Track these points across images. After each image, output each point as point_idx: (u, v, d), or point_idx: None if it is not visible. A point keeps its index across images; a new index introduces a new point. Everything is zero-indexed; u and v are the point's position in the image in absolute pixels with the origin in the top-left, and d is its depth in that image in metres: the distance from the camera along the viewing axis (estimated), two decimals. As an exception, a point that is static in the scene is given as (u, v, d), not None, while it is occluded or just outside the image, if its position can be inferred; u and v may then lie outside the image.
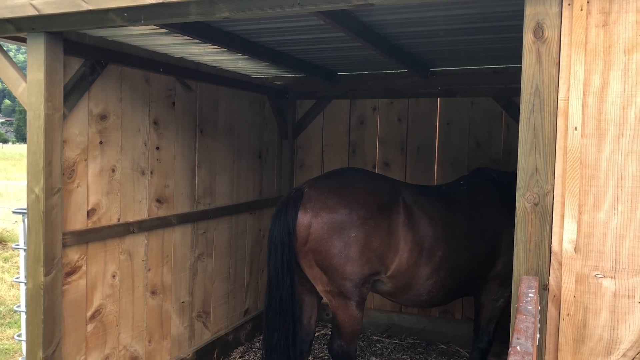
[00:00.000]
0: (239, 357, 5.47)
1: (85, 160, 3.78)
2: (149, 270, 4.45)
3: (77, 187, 3.72)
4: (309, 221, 3.87)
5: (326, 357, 5.54)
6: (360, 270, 3.85)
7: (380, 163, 6.29)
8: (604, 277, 2.29)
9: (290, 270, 3.94)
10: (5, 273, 8.41)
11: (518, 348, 1.50)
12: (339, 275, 3.85)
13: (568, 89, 2.32)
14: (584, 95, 2.29)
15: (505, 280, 4.36)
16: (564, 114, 2.33)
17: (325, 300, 4.16)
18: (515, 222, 2.43)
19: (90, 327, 3.89)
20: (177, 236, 4.78)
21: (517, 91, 2.58)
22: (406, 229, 3.97)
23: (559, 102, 2.34)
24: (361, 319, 4.02)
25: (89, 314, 3.87)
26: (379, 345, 5.86)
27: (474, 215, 4.33)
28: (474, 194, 4.48)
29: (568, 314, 2.34)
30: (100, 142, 3.91)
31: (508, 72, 5.24)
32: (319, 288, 4.03)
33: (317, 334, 6.13)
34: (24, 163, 26.71)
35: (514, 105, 5.44)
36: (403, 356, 5.59)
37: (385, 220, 3.92)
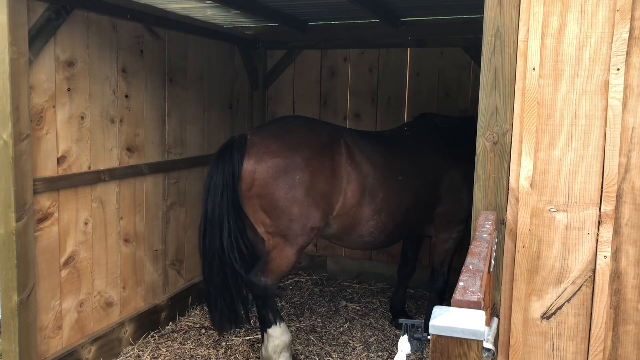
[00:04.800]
0: (213, 304, 5.60)
1: (54, 107, 3.76)
2: (122, 218, 4.49)
3: (46, 133, 3.71)
4: (253, 167, 3.92)
5: (298, 302, 5.71)
6: (309, 211, 3.93)
7: (352, 114, 6.34)
8: (557, 211, 2.43)
9: (235, 211, 3.98)
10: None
11: (470, 267, 1.61)
12: (286, 217, 3.92)
13: (527, 31, 2.39)
14: (543, 36, 2.37)
15: (450, 222, 4.60)
16: (523, 55, 2.42)
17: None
18: (475, 160, 2.54)
19: (64, 273, 3.95)
20: (149, 185, 4.82)
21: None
22: (349, 169, 4.09)
23: (518, 43, 2.42)
24: (293, 264, 4.10)
25: (62, 260, 3.92)
26: (350, 291, 6.06)
27: (415, 160, 4.48)
28: (416, 139, 4.63)
29: (523, 246, 2.48)
30: (69, 89, 3.88)
31: (477, 22, 5.29)
32: (260, 230, 4.07)
33: (289, 281, 6.30)
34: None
35: (482, 55, 5.51)
36: (372, 300, 5.79)
37: (329, 160, 4.02)
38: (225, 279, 4.06)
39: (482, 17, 2.50)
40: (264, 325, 4.17)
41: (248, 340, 4.83)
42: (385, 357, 4.55)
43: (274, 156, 3.92)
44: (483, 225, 2.14)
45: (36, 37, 3.55)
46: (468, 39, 5.61)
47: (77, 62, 3.94)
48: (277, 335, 4.14)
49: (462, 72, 5.88)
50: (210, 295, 4.12)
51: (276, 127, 4.20)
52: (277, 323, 4.16)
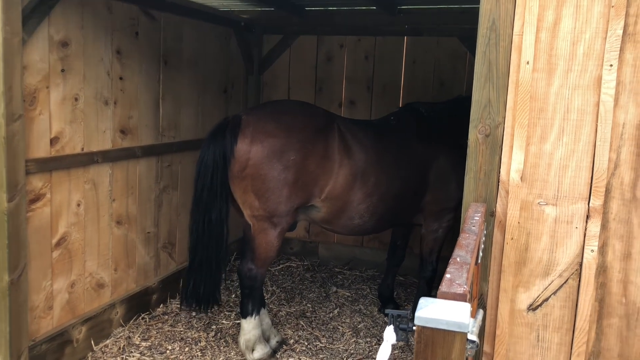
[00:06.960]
0: (204, 287, 5.63)
1: (47, 87, 3.74)
2: (114, 200, 4.50)
3: (40, 114, 3.69)
4: (248, 147, 3.89)
5: (289, 287, 5.75)
6: (297, 193, 3.95)
7: (347, 101, 6.34)
8: (547, 204, 2.45)
9: (224, 193, 3.96)
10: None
11: (458, 259, 1.63)
12: (275, 199, 3.91)
13: (523, 24, 2.40)
14: (537, 30, 2.38)
15: (440, 211, 4.63)
16: (518, 48, 2.42)
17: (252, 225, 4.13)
18: (467, 152, 2.56)
19: (55, 254, 3.95)
20: (142, 168, 4.81)
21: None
22: (342, 152, 4.10)
23: (513, 36, 2.43)
24: (277, 248, 4.11)
25: (54, 240, 3.93)
26: (340, 277, 6.10)
27: (403, 148, 4.51)
28: (403, 128, 4.65)
29: (512, 239, 2.51)
30: (62, 70, 3.86)
31: (474, 12, 5.26)
32: (247, 212, 4.06)
33: (280, 266, 6.34)
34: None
35: (479, 45, 5.50)
36: (363, 286, 5.84)
37: (322, 143, 4.03)
38: (208, 263, 4.05)
39: (479, 8, 2.50)
40: (241, 314, 4.23)
41: (239, 323, 4.86)
42: (373, 344, 4.60)
43: (270, 136, 3.91)
44: (472, 218, 2.16)
45: (30, 17, 3.51)
46: (464, 29, 5.60)
47: (71, 42, 3.91)
48: (249, 329, 4.20)
49: (458, 61, 5.87)
50: (190, 275, 4.13)
51: (271, 108, 4.21)
52: (253, 315, 4.20)
